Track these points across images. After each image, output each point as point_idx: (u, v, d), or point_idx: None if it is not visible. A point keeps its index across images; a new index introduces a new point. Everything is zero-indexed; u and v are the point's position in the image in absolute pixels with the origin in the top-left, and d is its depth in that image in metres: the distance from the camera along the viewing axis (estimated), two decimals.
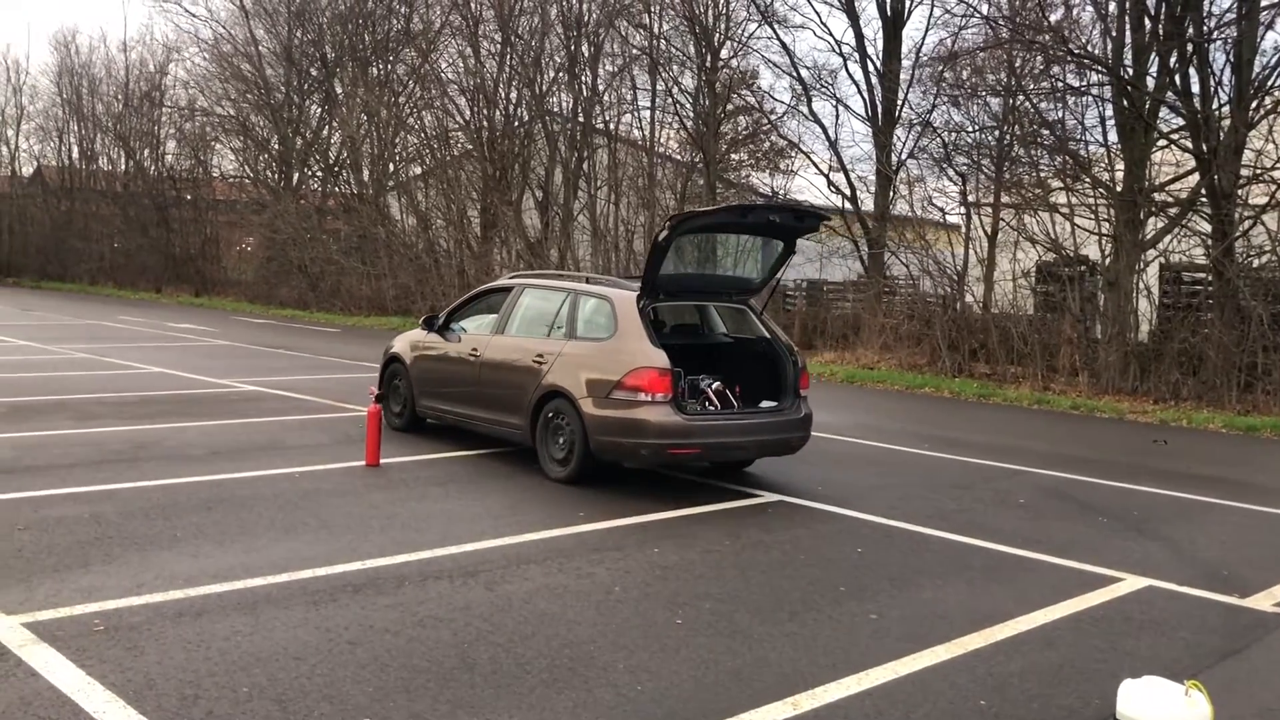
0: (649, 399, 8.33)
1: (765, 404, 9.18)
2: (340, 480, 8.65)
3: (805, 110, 25.69)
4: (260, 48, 38.41)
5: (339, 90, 36.91)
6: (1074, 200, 20.17)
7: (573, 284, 9.74)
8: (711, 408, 8.96)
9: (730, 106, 27.60)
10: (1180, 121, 18.93)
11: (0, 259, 47.66)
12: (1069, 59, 20.50)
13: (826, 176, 25.31)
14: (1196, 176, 18.33)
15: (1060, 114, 21.80)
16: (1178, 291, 18.87)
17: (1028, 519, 8.34)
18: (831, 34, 41.52)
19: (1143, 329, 18.50)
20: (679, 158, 29.21)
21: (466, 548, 6.72)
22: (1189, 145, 18.32)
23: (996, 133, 23.02)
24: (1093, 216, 19.43)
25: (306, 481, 8.51)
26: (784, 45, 26.31)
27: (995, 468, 10.62)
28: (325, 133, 38.61)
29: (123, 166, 44.49)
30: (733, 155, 28.58)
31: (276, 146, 38.36)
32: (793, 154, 27.90)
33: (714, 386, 9.13)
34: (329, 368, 17.26)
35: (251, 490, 8.10)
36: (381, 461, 9.25)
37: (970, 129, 23.60)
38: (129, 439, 10.03)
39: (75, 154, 46.62)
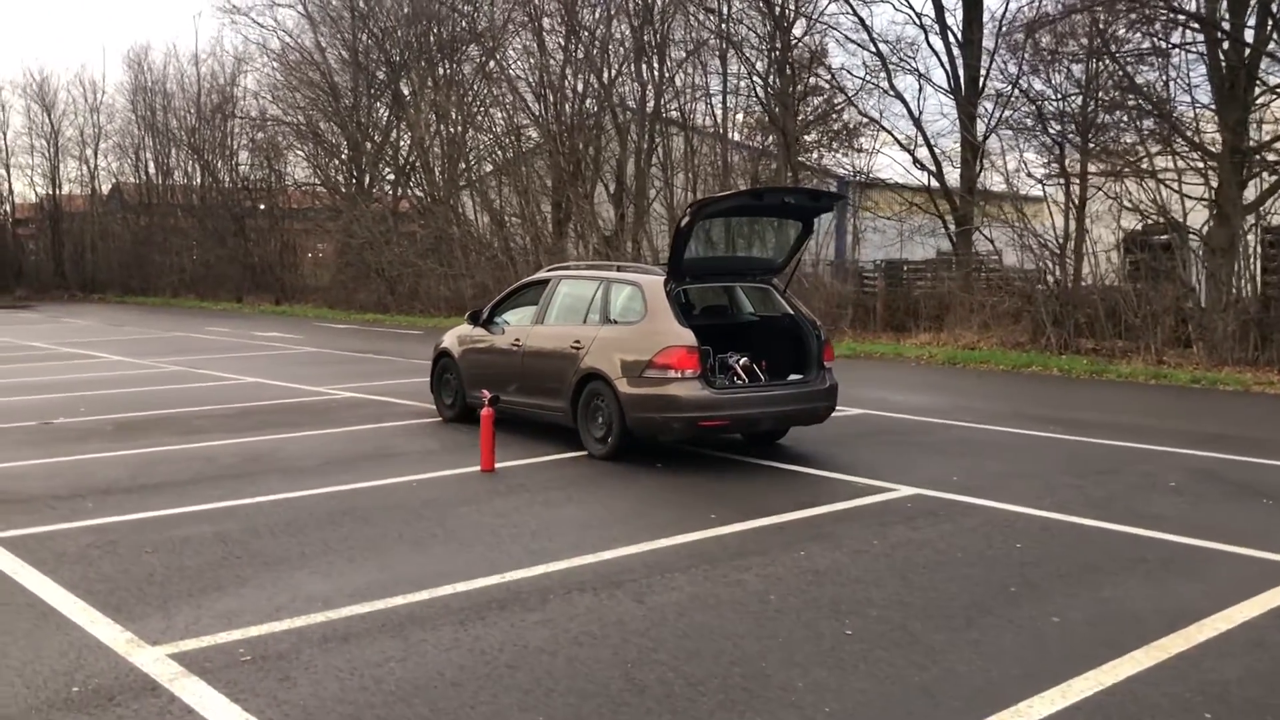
0: (679, 375, 8.94)
1: (792, 377, 9.67)
2: (459, 487, 8.42)
3: (886, 85, 24.96)
4: (327, 54, 38.67)
5: (406, 92, 36.97)
6: (1172, 164, 19.28)
7: (605, 273, 10.39)
8: (740, 382, 9.48)
9: (802, 87, 27.00)
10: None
11: (85, 276, 48.66)
12: (1159, 14, 19.62)
13: (910, 152, 24.61)
14: None
15: (1155, 74, 20.86)
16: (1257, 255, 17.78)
17: (1188, 504, 7.81)
18: (911, 5, 39.94)
19: (1246, 295, 17.65)
20: (752, 143, 28.69)
21: (604, 555, 6.42)
22: None
23: (1081, 99, 22.09)
24: (1197, 179, 18.55)
25: (425, 490, 8.29)
26: (860, 20, 25.64)
27: (1132, 449, 10.05)
28: (394, 135, 38.77)
29: (198, 179, 45.14)
30: (807, 136, 28.00)
31: (346, 152, 38.59)
32: (870, 131, 27.29)
33: (741, 362, 9.61)
34: (420, 371, 17.07)
35: (372, 501, 7.89)
36: (496, 466, 9.00)
37: (1055, 96, 22.70)
38: (239, 452, 9.92)
39: (151, 169, 47.39)
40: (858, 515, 7.44)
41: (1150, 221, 20.04)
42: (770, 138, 27.83)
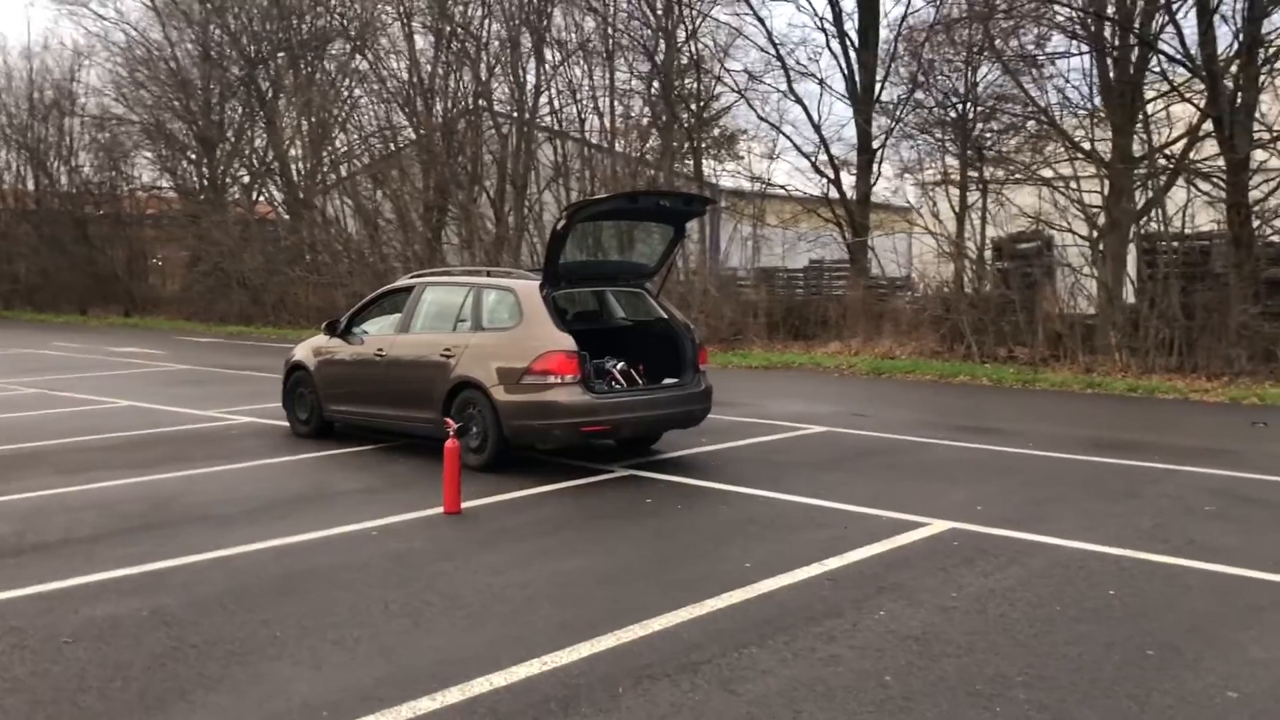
0: (559, 381, 8.77)
1: (668, 380, 9.67)
2: (430, 537, 7.14)
3: (785, 89, 24.43)
4: (176, 49, 36.03)
5: (265, 88, 34.72)
6: (1061, 171, 19.24)
7: (475, 278, 10.18)
8: (618, 386, 9.44)
9: (691, 90, 26.24)
10: (1171, 84, 18.04)
11: None
12: (1044, 23, 19.61)
13: (811, 159, 24.15)
14: (1185, 142, 17.55)
15: (1040, 83, 20.82)
16: (1156, 263, 17.77)
17: (1242, 532, 7.16)
18: (812, 6, 39.83)
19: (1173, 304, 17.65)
20: (637, 150, 27.76)
21: (652, 626, 5.29)
22: (1195, 104, 17.44)
23: (962, 106, 22.00)
24: (1088, 187, 18.50)
25: (391, 541, 6.98)
26: (760, 20, 25.00)
27: (1133, 468, 9.46)
28: (251, 135, 36.41)
29: (33, 182, 41.54)
30: (689, 144, 27.24)
31: (197, 153, 36.00)
32: (763, 137, 26.86)
33: (618, 367, 9.62)
34: None
35: (333, 558, 6.55)
36: (463, 507, 7.75)
37: (944, 103, 22.58)
38: (142, 496, 8.36)
39: None
40: (909, 559, 6.50)
41: (1024, 230, 20.05)
42: (655, 143, 27.04)
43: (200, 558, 6.56)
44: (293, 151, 34.10)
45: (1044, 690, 4.53)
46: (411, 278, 11.16)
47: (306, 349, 11.32)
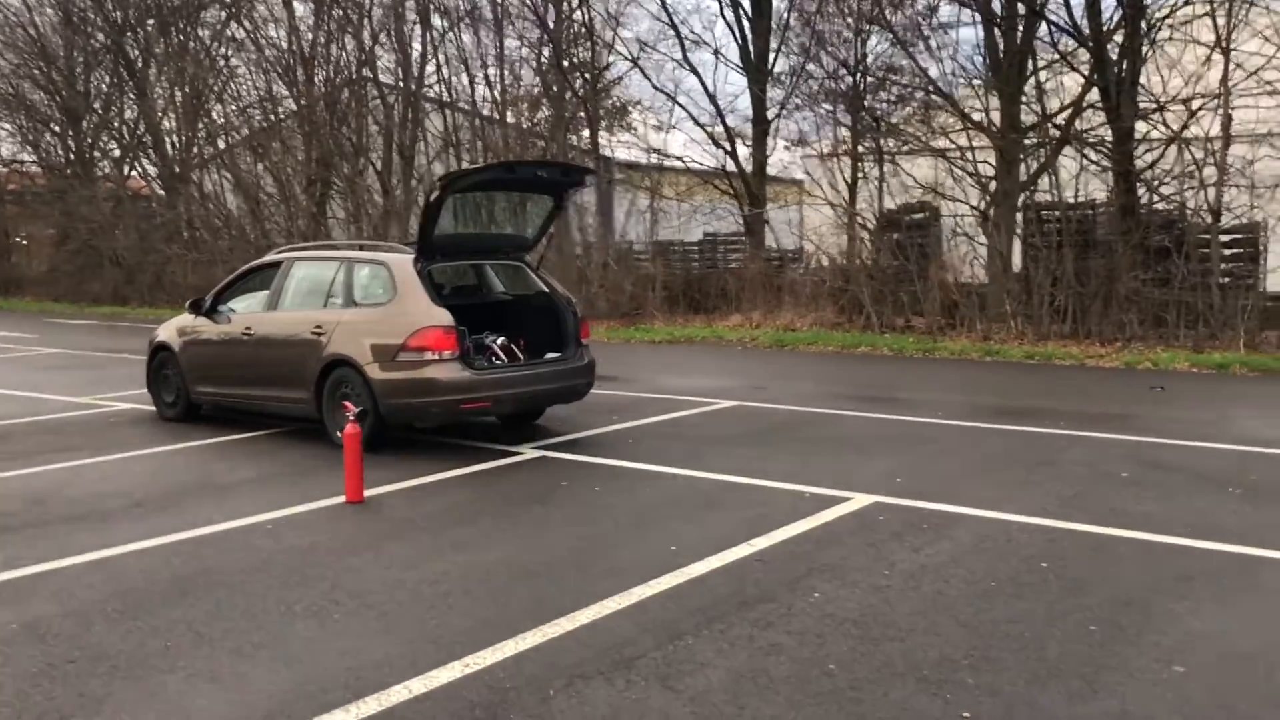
0: (436, 357, 8.58)
1: (550, 355, 9.56)
2: (333, 529, 6.69)
3: (679, 58, 24.14)
4: (34, 14, 33.96)
5: (134, 57, 33.00)
6: (952, 142, 19.46)
7: (346, 253, 9.83)
8: (498, 362, 9.28)
9: (581, 58, 25.75)
10: (1060, 53, 18.34)
11: None
12: None
13: (709, 132, 23.93)
14: (1070, 112, 17.89)
15: (928, 52, 20.99)
16: (1040, 232, 18.08)
17: (1162, 499, 7.16)
18: None
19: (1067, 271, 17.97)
20: (528, 120, 27.18)
21: (581, 619, 4.98)
22: (1083, 74, 17.76)
23: (853, 77, 22.09)
24: (978, 157, 18.72)
25: (291, 534, 6.52)
26: None
27: (1042, 435, 9.49)
28: (120, 106, 34.60)
29: None
30: (583, 114, 26.80)
31: (61, 125, 34.08)
32: (654, 109, 26.57)
33: (499, 342, 9.45)
34: None
35: (228, 557, 6.07)
36: (365, 495, 7.31)
37: (834, 74, 22.63)
38: (16, 490, 7.70)
39: None
40: (837, 536, 6.32)
41: (912, 200, 20.30)
42: (547, 114, 26.54)
43: (79, 560, 6.01)
44: (166, 124, 32.50)
45: (992, 673, 4.36)
46: (279, 252, 10.72)
47: (171, 329, 10.93)
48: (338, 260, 9.67)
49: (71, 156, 34.10)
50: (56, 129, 34.52)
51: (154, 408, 11.09)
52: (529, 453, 8.90)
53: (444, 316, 8.65)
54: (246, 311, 10.12)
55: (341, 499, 7.28)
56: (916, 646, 4.65)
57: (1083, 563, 5.81)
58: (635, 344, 18.53)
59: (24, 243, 38.13)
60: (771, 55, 23.89)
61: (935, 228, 19.89)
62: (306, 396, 9.26)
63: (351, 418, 7.37)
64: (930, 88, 20.11)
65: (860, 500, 7.11)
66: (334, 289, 9.47)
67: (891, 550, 6.01)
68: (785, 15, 23.59)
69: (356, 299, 9.28)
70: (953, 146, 19.37)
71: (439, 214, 8.88)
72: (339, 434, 8.52)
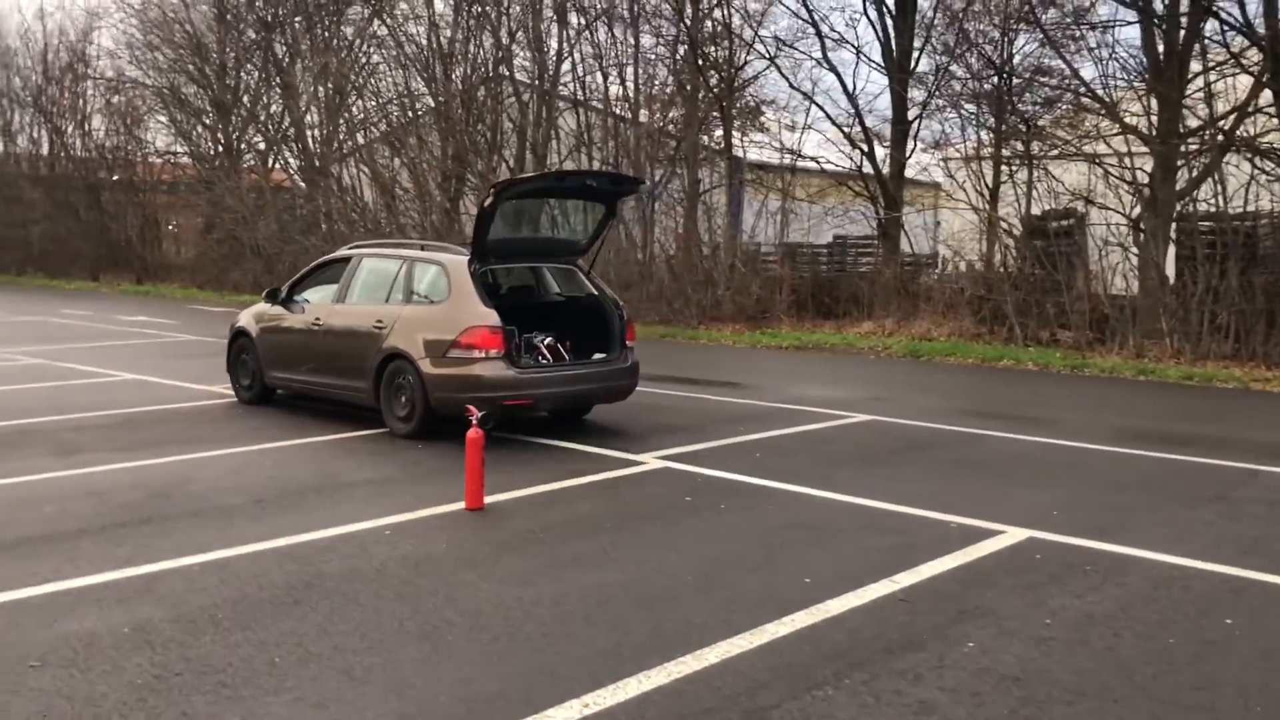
0: (483, 355, 8.95)
1: (596, 356, 9.80)
2: (449, 537, 6.44)
3: (819, 57, 23.51)
4: (191, 11, 35.22)
5: (281, 53, 33.92)
6: (1109, 146, 18.38)
7: (409, 251, 10.25)
8: (544, 361, 9.57)
9: (717, 57, 25.27)
10: (1231, 53, 17.10)
11: None
12: None
13: (846, 132, 23.26)
14: (1235, 116, 16.63)
15: (1085, 55, 19.90)
16: (1205, 244, 16.78)
17: None
18: None
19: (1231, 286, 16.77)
20: (659, 119, 26.85)
21: (709, 658, 4.57)
22: (1253, 74, 16.51)
23: (999, 78, 21.09)
24: (1130, 164, 17.60)
25: (406, 541, 6.29)
26: None
27: (1214, 468, 8.69)
28: (266, 100, 35.63)
29: (46, 146, 40.89)
30: (716, 114, 26.32)
31: (212, 118, 35.25)
32: (775, 110, 26.01)
33: (546, 342, 9.71)
34: None
35: (343, 563, 5.86)
36: (485, 502, 7.06)
37: (979, 75, 21.69)
38: (137, 483, 7.69)
39: None
40: (989, 575, 5.77)
41: (1058, 207, 19.27)
42: (678, 113, 26.18)
43: (195, 560, 5.88)
44: (309, 118, 33.32)
45: None
46: (350, 248, 11.25)
47: (250, 316, 11.45)
48: (401, 259, 10.08)
49: (220, 149, 35.23)
50: (207, 122, 35.72)
51: (290, 401, 11.11)
52: (652, 463, 8.55)
53: (492, 317, 8.98)
54: (318, 303, 10.56)
55: (461, 505, 7.03)
56: (1089, 713, 4.11)
57: (1274, 622, 5.14)
58: (761, 349, 18.05)
59: (174, 230, 39.62)
60: (915, 54, 23.10)
61: (1083, 236, 18.86)
62: (366, 386, 9.69)
63: (474, 421, 7.11)
64: (1082, 89, 19.05)
65: (1013, 535, 6.53)
66: (395, 286, 9.88)
67: (1051, 595, 5.44)
68: (930, 14, 22.76)
69: (415, 296, 9.71)
70: (1107, 151, 18.32)
71: (492, 219, 9.17)
72: (397, 424, 9.43)
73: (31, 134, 41.47)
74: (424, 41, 29.16)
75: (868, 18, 23.81)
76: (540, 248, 10.28)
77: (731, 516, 6.98)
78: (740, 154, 25.72)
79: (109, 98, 38.25)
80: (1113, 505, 7.40)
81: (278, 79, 33.79)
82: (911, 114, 23.12)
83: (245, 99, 35.50)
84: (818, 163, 23.89)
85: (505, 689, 4.28)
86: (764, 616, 5.05)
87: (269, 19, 33.70)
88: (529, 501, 7.32)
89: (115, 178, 38.31)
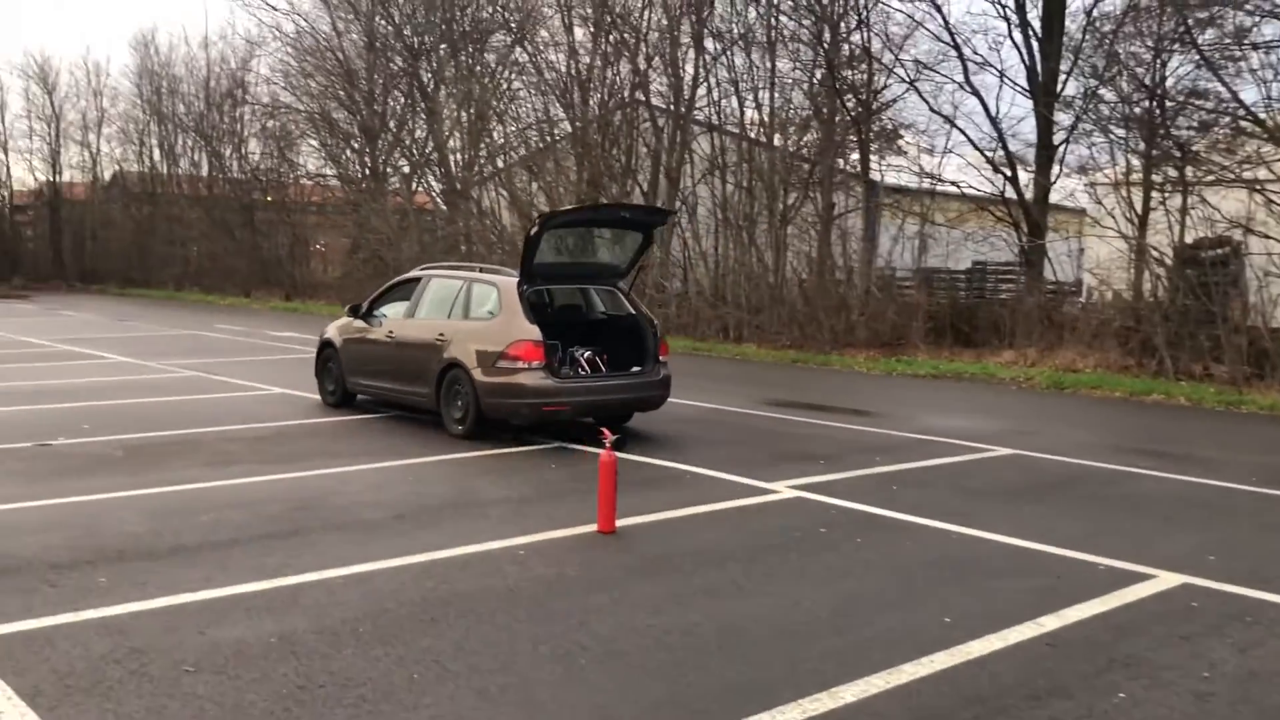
0: (526, 366, 9.98)
1: (633, 369, 10.80)
2: (582, 560, 6.48)
3: (960, 80, 23.03)
4: (343, 39, 36.70)
5: (426, 80, 35.01)
6: (1272, 171, 17.44)
7: (468, 273, 11.42)
8: (583, 372, 10.59)
9: (854, 81, 24.99)
10: None
11: (84, 266, 46.66)
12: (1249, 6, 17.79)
13: (989, 157, 22.71)
14: None
15: (1241, 73, 18.96)
16: None
17: None
18: None
19: None
20: (794, 143, 26.65)
21: (844, 696, 4.47)
22: None
23: (1150, 101, 20.25)
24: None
25: (539, 562, 6.35)
26: (937, 7, 23.60)
27: None
28: (413, 125, 36.83)
29: (205, 168, 43.12)
30: (854, 137, 26.00)
31: (359, 142, 36.60)
32: (914, 134, 25.52)
33: (585, 355, 10.75)
34: None
35: (478, 581, 5.95)
36: (617, 525, 7.08)
37: (1130, 98, 20.89)
38: (284, 495, 7.97)
39: (157, 156, 45.40)
40: (1141, 623, 5.50)
41: (1211, 235, 18.36)
42: (814, 137, 25.98)
43: (338, 573, 6.05)
44: (451, 142, 34.29)
45: None
46: (420, 270, 12.32)
47: (335, 328, 12.61)
48: (462, 280, 11.19)
49: (367, 171, 36.53)
50: (355, 146, 37.09)
51: (430, 419, 11.42)
52: (784, 492, 8.45)
53: (534, 332, 10.03)
54: (392, 317, 11.69)
55: (593, 527, 7.07)
56: None
57: None
58: (896, 377, 17.70)
59: (322, 249, 41.25)
60: (1061, 77, 22.42)
61: (1240, 265, 17.98)
62: (429, 392, 10.79)
63: (608, 444, 7.15)
64: (1242, 112, 18.19)
65: (1166, 580, 6.22)
66: (456, 303, 10.98)
67: (1210, 647, 5.16)
68: (1079, 36, 22.07)
69: (472, 313, 10.78)
70: (1269, 177, 17.43)
71: (538, 246, 10.21)
72: (454, 425, 10.55)
73: (193, 157, 43.81)
74: (563, 68, 29.76)
75: (1012, 41, 23.04)
76: (583, 271, 11.21)
77: (867, 551, 6.83)
78: (877, 178, 25.39)
79: (264, 123, 40.17)
80: (1274, 553, 6.98)
81: (422, 105, 34.89)
82: (1057, 138, 22.45)
83: (391, 124, 36.75)
84: (958, 187, 23.40)
85: (639, 718, 4.26)
86: (901, 656, 4.92)
87: (416, 47, 34.85)
88: (660, 526, 7.31)
89: (268, 199, 40.13)
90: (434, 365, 10.67)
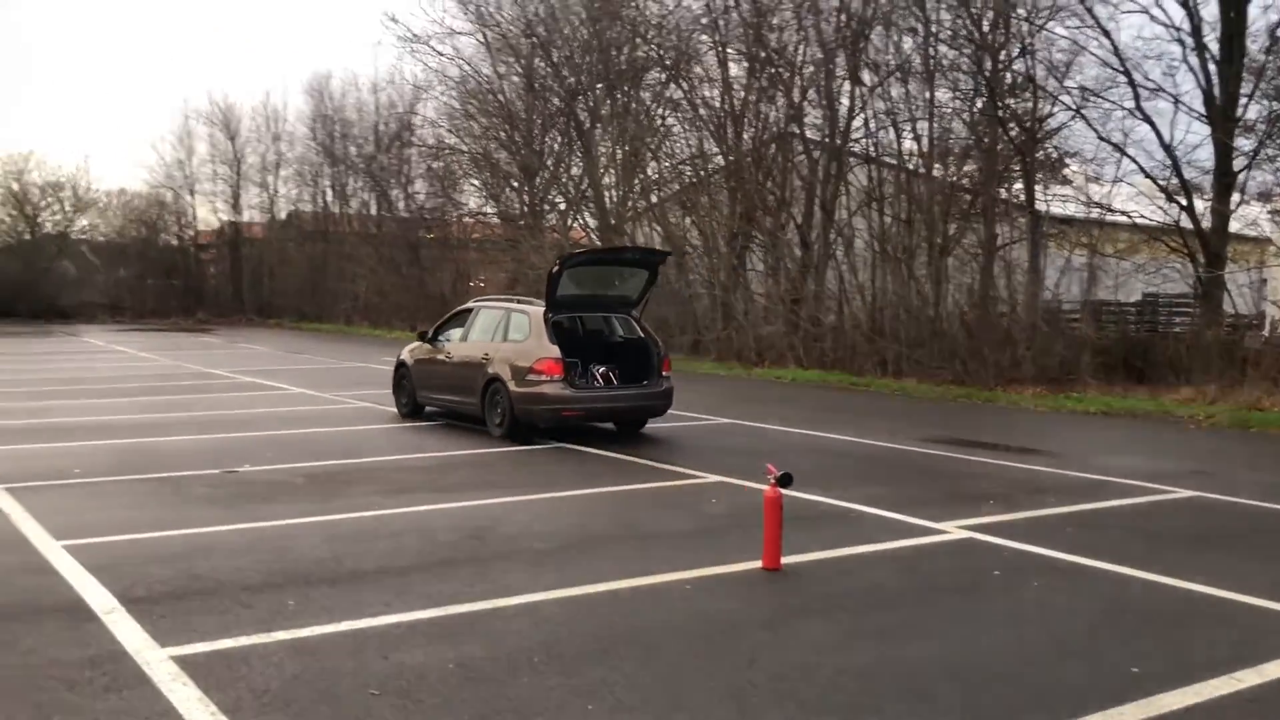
0: (548, 379, 12.14)
1: (642, 383, 12.89)
2: (748, 597, 6.46)
3: (1131, 106, 22.18)
4: (504, 82, 37.89)
5: (583, 118, 35.78)
6: None
7: (508, 304, 13.68)
8: (597, 385, 12.85)
9: (1016, 109, 24.33)
10: None
11: (262, 300, 49.22)
12: None
13: (1162, 185, 21.78)
14: None
15: None
16: None
17: None
18: (1169, 17, 36.10)
19: None
20: (954, 174, 26.06)
21: None
22: None
23: None
24: None
25: (706, 599, 6.36)
26: (1105, 33, 22.81)
27: None
28: (569, 163, 37.66)
29: (374, 207, 45.06)
30: (1016, 167, 25.28)
31: (517, 182, 37.63)
32: (1081, 162, 24.62)
33: (600, 370, 12.96)
34: None
35: (646, 616, 6.00)
36: (783, 563, 7.03)
37: None
38: (457, 523, 8.21)
39: (329, 196, 47.69)
40: None
41: None
42: (974, 167, 25.38)
43: (510, 602, 6.19)
44: (606, 179, 34.93)
45: None
46: (473, 301, 14.84)
47: (407, 352, 14.91)
48: (503, 309, 13.45)
49: (525, 209, 37.50)
50: (514, 184, 38.16)
51: (595, 450, 11.76)
52: (954, 532, 8.23)
53: (555, 351, 12.21)
54: (450, 341, 13.97)
55: (758, 564, 7.04)
56: None
57: None
58: (1066, 414, 17.05)
59: (482, 285, 42.52)
60: (1242, 101, 21.35)
61: None
62: (475, 402, 13.02)
63: (773, 481, 7.11)
64: None
65: None
66: (497, 329, 13.23)
67: None
68: (1262, 58, 20.99)
69: (508, 337, 12.95)
70: None
71: (559, 281, 12.50)
72: (494, 428, 12.71)
73: (362, 197, 45.87)
74: (717, 103, 29.98)
75: (1187, 64, 22.09)
76: (599, 302, 13.27)
77: (1045, 595, 6.59)
78: (1042, 207, 24.64)
79: (429, 163, 41.72)
80: None
81: (579, 143, 35.66)
82: (1237, 164, 21.36)
83: (549, 162, 37.67)
84: (1128, 216, 22.50)
85: None
86: (1088, 706, 4.72)
87: (573, 86, 35.69)
88: (827, 565, 7.23)
89: (432, 236, 41.62)
90: (480, 379, 12.87)
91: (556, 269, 12.50)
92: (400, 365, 14.89)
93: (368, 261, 43.60)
